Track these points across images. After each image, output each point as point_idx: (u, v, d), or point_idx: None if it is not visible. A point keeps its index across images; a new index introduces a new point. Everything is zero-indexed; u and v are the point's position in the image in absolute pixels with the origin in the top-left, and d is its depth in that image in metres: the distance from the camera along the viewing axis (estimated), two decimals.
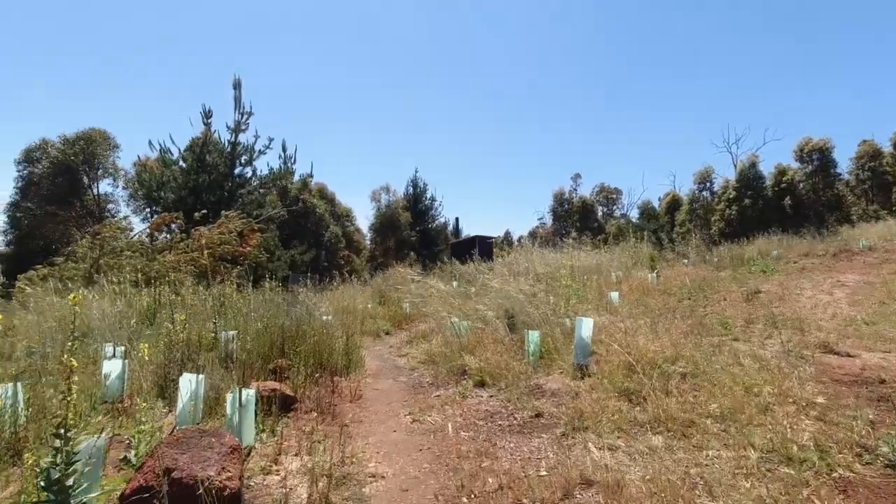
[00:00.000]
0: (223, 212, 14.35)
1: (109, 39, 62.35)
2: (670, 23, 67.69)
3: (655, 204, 43.85)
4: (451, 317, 6.46)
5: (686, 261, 14.83)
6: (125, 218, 26.50)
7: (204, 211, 15.56)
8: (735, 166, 38.76)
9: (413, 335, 7.97)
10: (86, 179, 28.33)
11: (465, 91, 76.44)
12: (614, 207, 50.89)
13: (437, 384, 4.96)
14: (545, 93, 74.55)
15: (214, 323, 6.28)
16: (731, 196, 33.38)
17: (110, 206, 29.96)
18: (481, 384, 4.59)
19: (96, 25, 61.49)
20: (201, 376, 3.29)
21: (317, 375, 4.57)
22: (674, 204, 39.33)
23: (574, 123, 74.26)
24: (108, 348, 4.48)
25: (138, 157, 18.69)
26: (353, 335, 6.01)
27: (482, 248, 18.29)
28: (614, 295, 8.36)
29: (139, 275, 10.00)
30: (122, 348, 4.51)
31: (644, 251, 13.22)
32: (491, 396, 4.24)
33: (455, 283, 12.60)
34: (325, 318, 8.67)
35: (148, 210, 22.54)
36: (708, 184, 37.20)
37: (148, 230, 13.98)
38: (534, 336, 4.88)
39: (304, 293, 9.14)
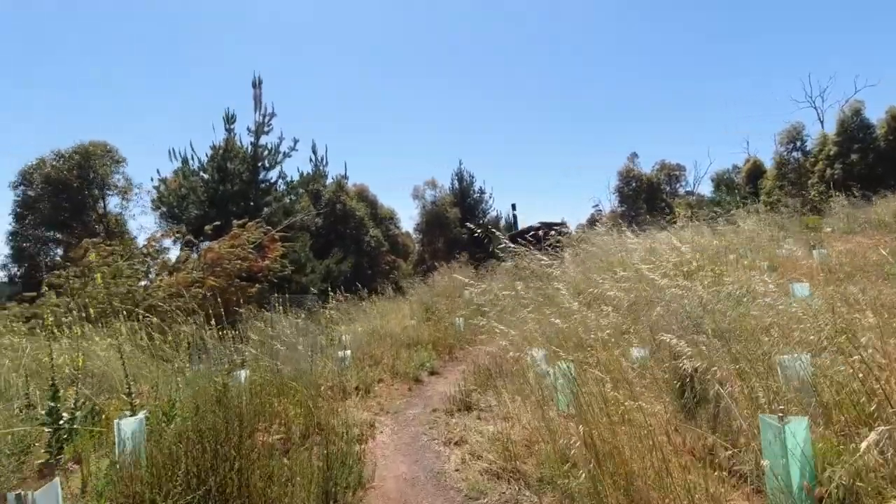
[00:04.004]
0: (234, 221, 12.08)
1: (117, 45, 60.74)
2: None
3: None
4: (548, 365, 3.47)
5: (829, 229, 11.19)
6: (131, 238, 24.40)
7: (217, 222, 13.52)
8: (822, 122, 33.36)
9: (473, 380, 5.01)
10: (90, 198, 25.50)
11: (502, 76, 72.76)
12: (677, 185, 46.08)
13: None
14: (585, 74, 69.45)
15: (130, 395, 3.67)
16: (831, 153, 28.22)
17: (127, 225, 27.29)
18: None
19: (98, 31, 61.06)
20: None
21: None
22: (755, 171, 34.27)
23: (626, 102, 68.59)
24: None
25: (157, 171, 16.89)
26: (352, 425, 3.14)
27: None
28: (801, 289, 5.10)
29: (110, 305, 7.80)
30: None
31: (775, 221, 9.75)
32: None
33: (520, 286, 9.65)
34: (340, 353, 5.93)
35: (175, 229, 20.85)
36: (798, 143, 31.91)
37: (144, 250, 11.91)
38: (799, 432, 1.77)
39: (306, 319, 6.43)
